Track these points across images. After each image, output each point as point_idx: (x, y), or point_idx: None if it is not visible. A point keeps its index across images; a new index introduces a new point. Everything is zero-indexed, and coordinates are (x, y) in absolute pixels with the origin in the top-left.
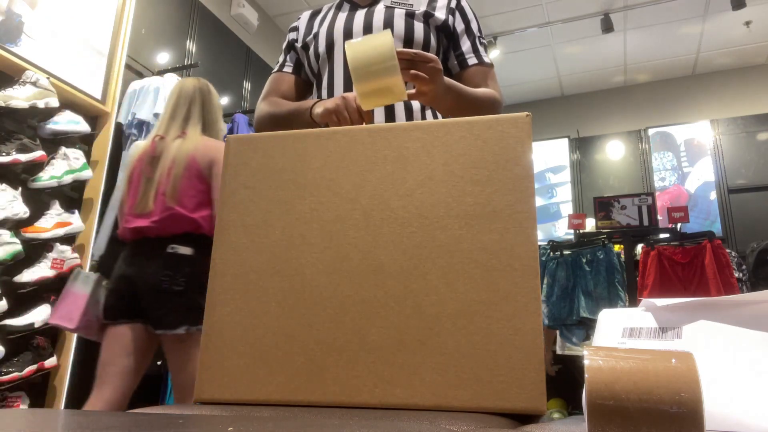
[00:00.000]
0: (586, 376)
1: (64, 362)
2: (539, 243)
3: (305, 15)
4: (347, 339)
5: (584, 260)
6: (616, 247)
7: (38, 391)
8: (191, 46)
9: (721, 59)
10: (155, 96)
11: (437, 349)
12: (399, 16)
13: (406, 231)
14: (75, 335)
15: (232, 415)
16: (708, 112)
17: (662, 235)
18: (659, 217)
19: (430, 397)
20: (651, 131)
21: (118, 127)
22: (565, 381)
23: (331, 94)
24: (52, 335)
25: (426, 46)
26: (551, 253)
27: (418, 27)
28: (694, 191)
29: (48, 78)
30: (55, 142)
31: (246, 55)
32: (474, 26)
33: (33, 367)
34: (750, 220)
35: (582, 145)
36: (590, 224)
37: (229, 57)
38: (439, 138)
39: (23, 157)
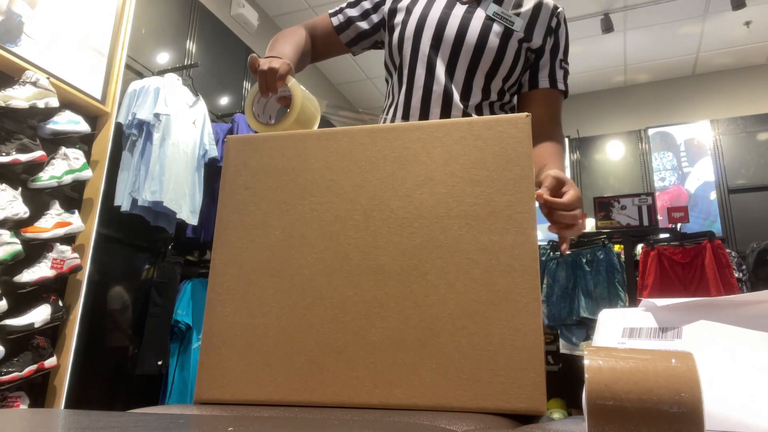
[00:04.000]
0: (586, 376)
1: (64, 362)
2: (539, 243)
3: None
4: (347, 339)
5: (584, 260)
6: (616, 247)
7: (38, 391)
8: (191, 46)
9: (721, 59)
10: (155, 96)
11: (437, 349)
12: (495, 35)
13: (406, 231)
14: (75, 335)
15: (232, 415)
16: (708, 112)
17: (662, 235)
18: (659, 217)
19: (430, 397)
20: (651, 131)
21: (118, 127)
22: (565, 381)
23: (409, 93)
24: (52, 335)
25: (511, 71)
26: (551, 253)
27: (510, 51)
28: (694, 191)
29: (48, 78)
30: (55, 142)
31: (246, 55)
32: (561, 47)
33: (33, 367)
34: (750, 220)
35: (582, 145)
36: (590, 224)
37: (229, 57)
38: (438, 138)
39: (23, 157)
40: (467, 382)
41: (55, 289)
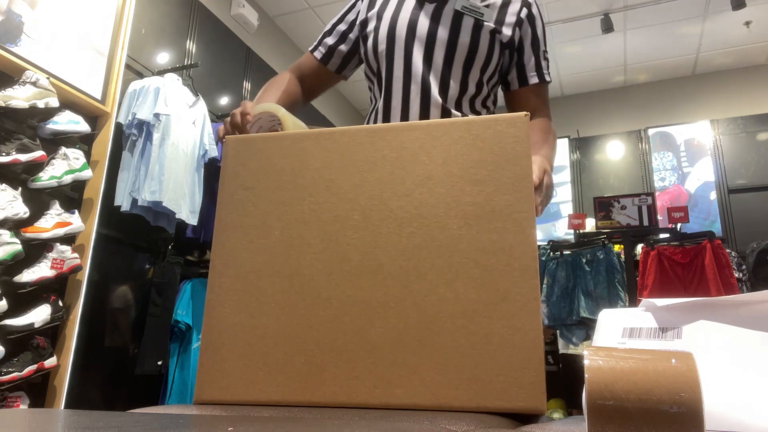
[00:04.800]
0: (586, 376)
1: (64, 362)
2: (539, 243)
3: None
4: (347, 339)
5: (584, 260)
6: (616, 247)
7: (38, 391)
8: (191, 46)
9: (721, 59)
10: (155, 96)
11: (437, 349)
12: (466, 28)
13: (405, 231)
14: (75, 335)
15: (232, 415)
16: (708, 112)
17: (662, 235)
18: (659, 217)
19: (430, 397)
20: (651, 131)
21: (118, 127)
22: (564, 381)
23: (388, 95)
24: (52, 335)
25: (488, 61)
26: (551, 253)
27: (483, 42)
28: (694, 191)
29: (48, 78)
30: (55, 142)
31: (246, 55)
32: (540, 38)
33: (33, 367)
34: (750, 220)
35: (582, 145)
36: (590, 224)
37: (229, 57)
38: (437, 138)
39: (23, 157)
40: (467, 381)
41: (55, 289)
